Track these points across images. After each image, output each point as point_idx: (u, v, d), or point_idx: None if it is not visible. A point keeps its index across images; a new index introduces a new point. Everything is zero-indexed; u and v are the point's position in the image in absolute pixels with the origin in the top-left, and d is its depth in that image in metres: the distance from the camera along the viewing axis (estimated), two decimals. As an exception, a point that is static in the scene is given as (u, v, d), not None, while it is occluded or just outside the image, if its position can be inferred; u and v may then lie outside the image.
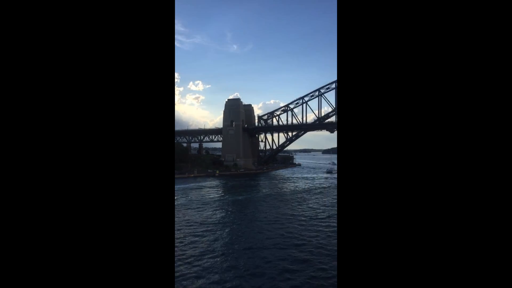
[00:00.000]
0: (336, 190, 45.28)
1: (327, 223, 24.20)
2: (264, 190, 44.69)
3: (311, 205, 32.56)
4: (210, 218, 25.64)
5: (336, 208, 29.89)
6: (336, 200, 35.75)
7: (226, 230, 21.78)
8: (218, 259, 15.77)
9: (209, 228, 22.03)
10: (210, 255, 16.30)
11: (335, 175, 74.43)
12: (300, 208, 30.72)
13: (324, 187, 49.49)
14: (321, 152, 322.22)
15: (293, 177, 67.84)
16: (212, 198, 36.46)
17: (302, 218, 26.15)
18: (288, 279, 13.46)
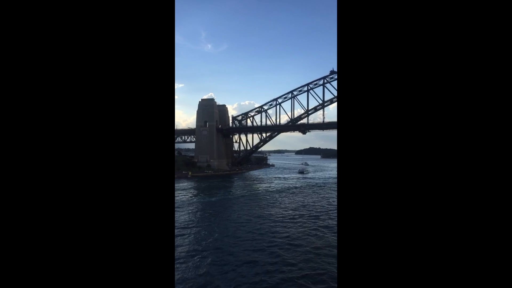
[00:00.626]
0: (307, 190, 46.75)
1: (299, 223, 24.82)
2: (237, 191, 44.55)
3: (283, 206, 33.14)
4: (182, 220, 24.90)
5: (307, 208, 30.77)
6: (305, 199, 36.82)
7: (199, 233, 21.32)
8: (190, 262, 15.38)
9: (180, 232, 21.39)
10: (182, 259, 15.83)
11: (307, 175, 76.65)
12: (272, 209, 31.11)
13: (296, 187, 50.69)
14: (294, 153, 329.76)
15: (266, 178, 68.53)
16: (184, 200, 35.46)
17: (275, 219, 26.50)
18: (263, 280, 13.54)
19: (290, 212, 29.45)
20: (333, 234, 21.33)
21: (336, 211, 29.99)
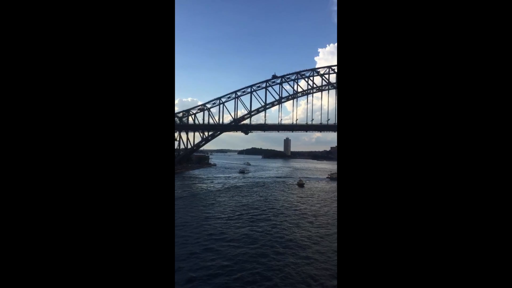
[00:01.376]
0: (247, 189, 47.55)
1: (238, 223, 24.90)
2: (176, 192, 42.25)
3: (222, 206, 32.88)
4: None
5: (245, 207, 31.23)
6: (243, 199, 37.42)
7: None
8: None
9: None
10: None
11: (247, 175, 78.25)
12: (211, 210, 30.52)
13: (237, 187, 51.13)
14: (236, 153, 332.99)
15: (207, 178, 67.16)
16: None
17: (213, 220, 26.01)
18: (203, 282, 12.99)
19: (229, 212, 29.36)
20: (269, 233, 22.07)
21: (273, 209, 31.39)
